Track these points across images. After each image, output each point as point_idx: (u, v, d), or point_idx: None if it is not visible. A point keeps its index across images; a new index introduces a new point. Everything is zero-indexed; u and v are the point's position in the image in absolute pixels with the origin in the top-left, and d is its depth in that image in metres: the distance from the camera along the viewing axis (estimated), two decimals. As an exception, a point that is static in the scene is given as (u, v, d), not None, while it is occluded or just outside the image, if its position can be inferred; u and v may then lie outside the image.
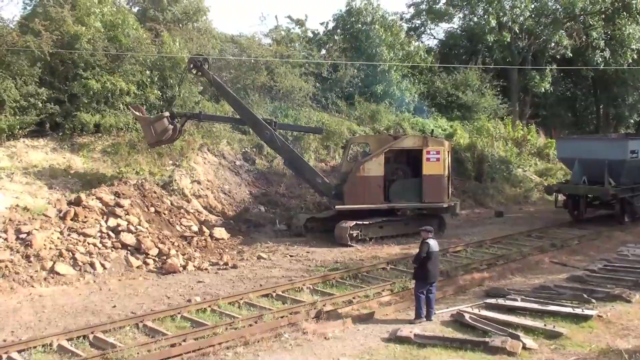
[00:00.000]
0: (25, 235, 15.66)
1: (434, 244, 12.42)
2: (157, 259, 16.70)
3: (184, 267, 16.51)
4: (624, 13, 38.33)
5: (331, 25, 34.15)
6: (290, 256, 18.36)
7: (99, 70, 21.28)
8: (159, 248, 16.98)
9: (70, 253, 15.65)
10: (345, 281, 15.41)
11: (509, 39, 37.92)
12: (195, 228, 19.25)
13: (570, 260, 17.70)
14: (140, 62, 22.59)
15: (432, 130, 27.28)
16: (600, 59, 38.32)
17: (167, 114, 20.02)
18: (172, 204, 20.18)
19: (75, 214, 16.99)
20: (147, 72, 22.67)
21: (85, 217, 17.06)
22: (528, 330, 11.46)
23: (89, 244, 16.24)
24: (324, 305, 12.99)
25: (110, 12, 22.72)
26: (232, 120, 23.04)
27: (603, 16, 39.34)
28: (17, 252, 15.15)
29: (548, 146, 35.50)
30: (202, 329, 11.54)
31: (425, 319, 12.23)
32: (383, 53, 30.96)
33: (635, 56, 39.23)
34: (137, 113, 20.29)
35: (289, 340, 11.20)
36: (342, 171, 21.61)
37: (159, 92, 22.91)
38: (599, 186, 23.18)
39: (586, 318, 12.13)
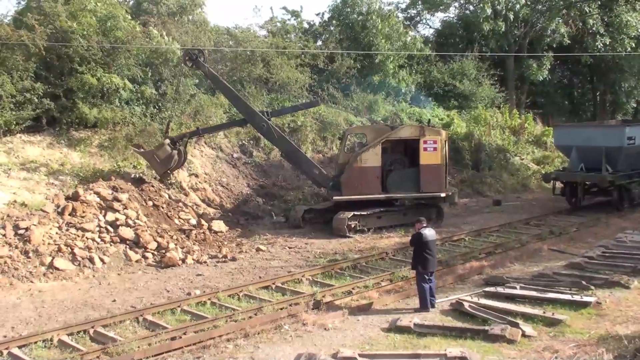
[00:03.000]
0: (24, 230, 15.65)
1: (429, 233, 12.44)
2: (156, 252, 16.71)
3: (183, 261, 16.51)
4: (623, 0, 38.32)
5: (327, 16, 34.08)
6: (289, 248, 18.38)
7: (94, 65, 21.20)
8: (157, 242, 16.98)
9: (69, 248, 15.65)
10: (345, 272, 15.43)
11: (503, 28, 37.85)
12: (193, 221, 19.25)
13: (569, 247, 17.75)
14: (134, 56, 22.50)
15: (429, 120, 27.25)
16: (600, 44, 38.25)
17: (167, 141, 19.93)
18: (170, 197, 20.18)
19: (74, 209, 16.97)
20: (141, 67, 22.57)
21: (84, 211, 17.04)
22: (527, 317, 11.50)
23: (87, 238, 16.23)
24: (323, 296, 13.02)
25: (104, 6, 22.58)
26: (231, 125, 22.93)
27: (599, 3, 39.28)
28: (16, 247, 15.15)
29: (545, 134, 35.46)
30: (202, 322, 11.56)
31: (431, 309, 12.26)
32: (380, 44, 30.88)
33: (633, 44, 39.19)
34: (138, 150, 20.30)
35: (289, 331, 11.23)
36: (339, 162, 21.57)
37: (153, 88, 22.81)
38: (596, 173, 23.19)
39: (585, 305, 12.18)
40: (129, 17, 23.21)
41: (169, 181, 21.08)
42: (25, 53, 20.13)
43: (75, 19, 21.16)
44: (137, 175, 20.12)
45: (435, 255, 12.81)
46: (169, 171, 20.30)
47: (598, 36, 38.71)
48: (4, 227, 15.64)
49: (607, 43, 38.64)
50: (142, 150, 20.22)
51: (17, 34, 20.02)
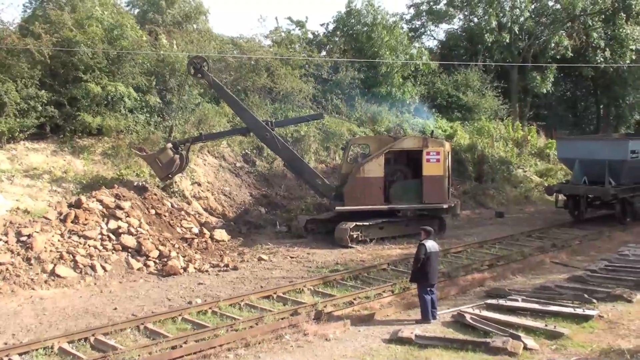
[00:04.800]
0: (26, 237, 15.67)
1: (431, 245, 12.40)
2: (157, 261, 16.70)
3: (185, 269, 16.50)
4: (623, 13, 38.44)
5: (331, 26, 34.20)
6: (291, 257, 18.36)
7: (99, 73, 21.29)
8: (159, 250, 16.99)
9: (70, 255, 15.65)
10: (346, 282, 15.39)
11: (508, 40, 38.00)
12: (195, 230, 19.26)
13: (571, 260, 17.68)
14: (139, 64, 22.60)
15: (432, 131, 27.28)
16: (601, 59, 38.36)
17: (169, 145, 20.00)
18: (172, 206, 20.21)
19: (76, 217, 17.00)
20: (147, 75, 22.67)
21: (86, 219, 17.07)
22: (529, 330, 11.44)
23: (89, 246, 16.25)
24: (324, 307, 12.98)
25: (111, 15, 22.71)
26: (234, 132, 22.99)
27: (603, 17, 39.41)
28: (18, 254, 15.16)
29: (548, 146, 35.51)
30: (203, 331, 11.54)
31: (432, 321, 12.22)
32: (385, 55, 30.96)
33: (634, 56, 39.28)
34: (140, 153, 20.33)
35: (290, 341, 11.19)
36: (342, 172, 21.60)
37: (157, 97, 22.89)
38: (599, 186, 23.18)
39: (587, 318, 12.12)
40: (137, 26, 23.35)
41: (172, 189, 21.13)
42: (31, 61, 20.22)
43: (81, 28, 21.26)
44: (140, 184, 20.14)
45: (437, 267, 12.78)
46: (170, 175, 20.32)
47: (599, 50, 38.82)
48: (6, 234, 15.67)
49: (609, 56, 38.72)
50: (144, 153, 20.25)
51: (22, 41, 20.12)
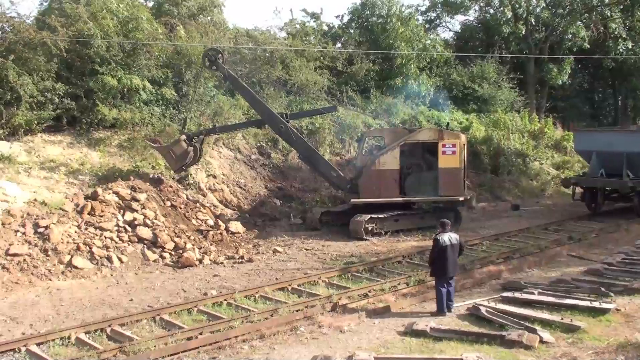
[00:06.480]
0: (43, 229, 15.80)
1: (447, 238, 12.30)
2: (173, 252, 16.78)
3: (200, 261, 16.57)
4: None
5: (346, 18, 34.12)
6: (306, 250, 18.38)
7: (115, 66, 21.38)
8: (175, 242, 17.06)
9: (87, 247, 15.77)
10: (361, 275, 15.39)
11: (524, 31, 37.67)
12: (211, 222, 19.31)
13: (588, 253, 17.55)
14: (155, 57, 22.65)
15: (448, 123, 27.13)
16: (622, 49, 37.89)
17: (183, 137, 20.05)
18: (187, 198, 20.28)
19: (92, 208, 17.11)
20: (162, 68, 22.73)
21: (102, 211, 17.17)
22: (545, 323, 11.37)
23: (105, 237, 16.35)
24: (339, 299, 12.98)
25: (126, 7, 22.78)
26: (248, 124, 23.02)
27: (621, 7, 38.95)
28: (35, 246, 15.29)
29: (565, 139, 35.21)
30: (218, 322, 11.58)
31: (447, 314, 12.17)
32: (400, 47, 30.81)
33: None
34: (154, 145, 20.37)
35: (305, 333, 11.21)
36: (357, 165, 21.56)
37: (173, 89, 22.95)
38: (617, 179, 22.98)
39: (604, 312, 12.02)
40: (152, 19, 23.38)
41: (187, 182, 21.20)
42: (47, 53, 20.31)
43: (96, 20, 21.33)
44: (156, 176, 20.22)
45: (456, 260, 12.63)
46: (184, 167, 20.37)
47: (620, 40, 38.37)
48: (23, 226, 15.80)
49: (630, 47, 38.26)
50: (158, 145, 20.31)
51: (39, 34, 20.21)
